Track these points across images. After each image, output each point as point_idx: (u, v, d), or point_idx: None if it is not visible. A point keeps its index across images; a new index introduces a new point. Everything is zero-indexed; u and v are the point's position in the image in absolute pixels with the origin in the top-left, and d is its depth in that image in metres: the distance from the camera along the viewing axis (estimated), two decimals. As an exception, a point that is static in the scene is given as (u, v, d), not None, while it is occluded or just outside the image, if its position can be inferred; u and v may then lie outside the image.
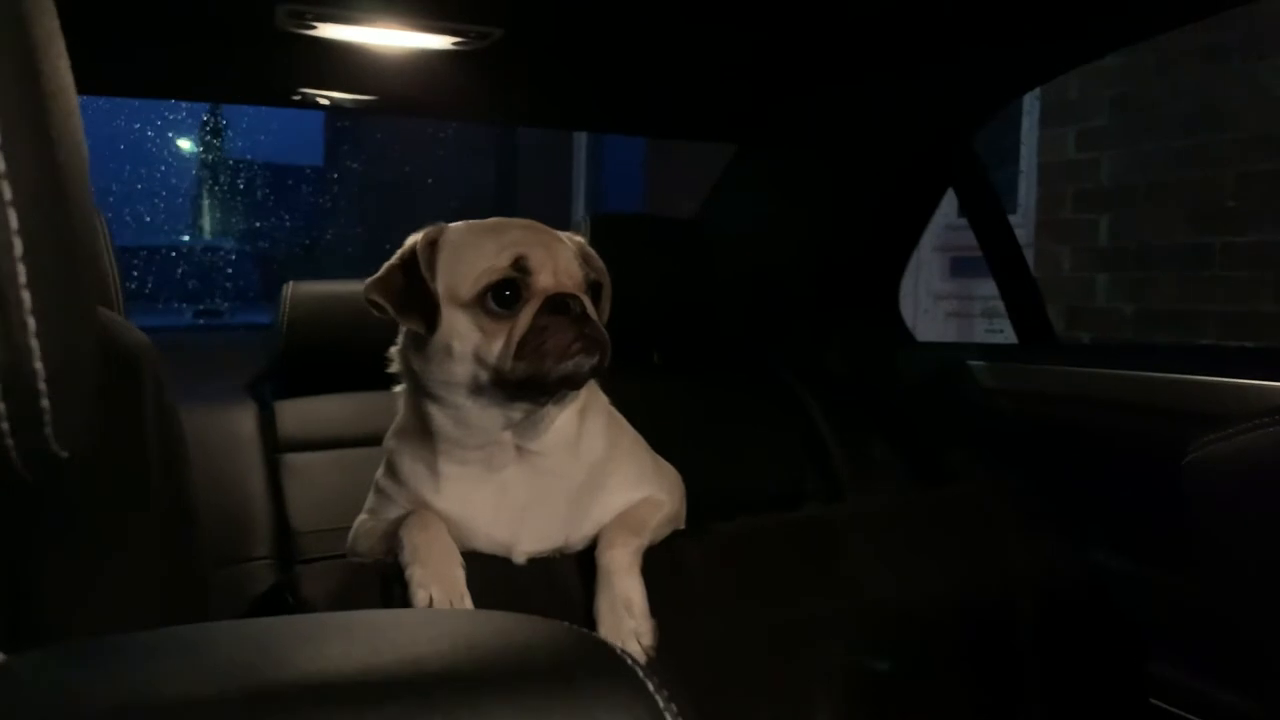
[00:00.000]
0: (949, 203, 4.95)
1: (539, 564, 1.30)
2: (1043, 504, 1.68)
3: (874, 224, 2.52)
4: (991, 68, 2.05)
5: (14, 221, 0.45)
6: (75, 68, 2.05)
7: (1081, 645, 1.58)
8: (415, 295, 1.26)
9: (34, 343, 0.46)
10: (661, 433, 2.10)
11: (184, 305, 9.86)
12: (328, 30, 1.78)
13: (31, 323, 0.46)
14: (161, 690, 0.41)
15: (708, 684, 1.25)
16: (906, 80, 2.11)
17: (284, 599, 1.18)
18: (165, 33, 1.84)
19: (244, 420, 2.07)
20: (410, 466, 1.33)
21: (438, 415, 1.30)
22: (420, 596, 1.15)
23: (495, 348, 1.23)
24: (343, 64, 1.99)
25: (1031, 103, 4.71)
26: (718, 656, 1.31)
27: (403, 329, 1.34)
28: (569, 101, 2.38)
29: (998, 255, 2.36)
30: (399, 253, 1.32)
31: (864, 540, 1.51)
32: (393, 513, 1.33)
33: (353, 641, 0.47)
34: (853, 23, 1.84)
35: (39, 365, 0.47)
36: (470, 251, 1.28)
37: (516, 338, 1.22)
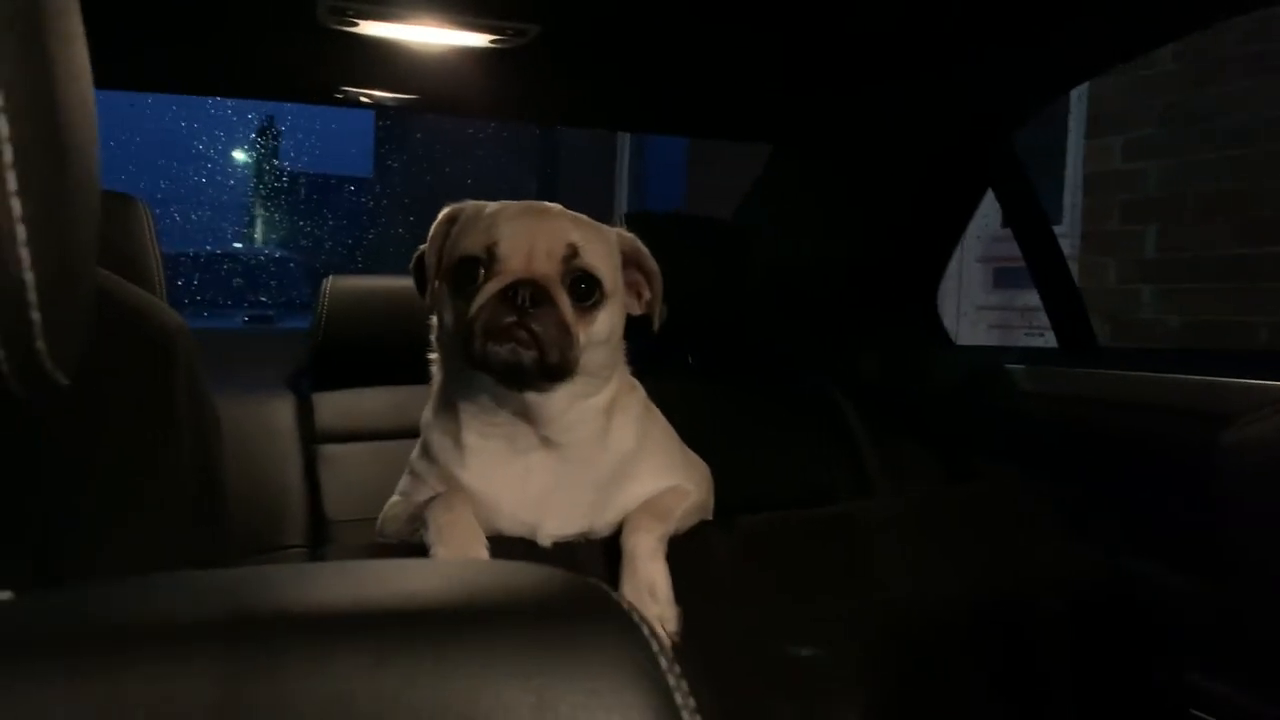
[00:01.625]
0: (993, 213, 4.92)
1: (564, 548, 1.30)
2: (1075, 506, 1.65)
3: (911, 225, 2.50)
4: (1028, 66, 2.03)
5: (4, 128, 0.44)
6: (116, 63, 2.10)
7: (1114, 651, 1.55)
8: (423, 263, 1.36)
9: (23, 252, 0.46)
10: (695, 434, 2.09)
11: (234, 309, 10.00)
12: (368, 28, 1.81)
13: (21, 232, 0.45)
14: (146, 615, 0.42)
15: (731, 677, 1.25)
16: (942, 79, 2.10)
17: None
18: (206, 27, 1.87)
19: (282, 412, 2.11)
20: (439, 440, 1.36)
21: (451, 383, 1.34)
22: None
23: (459, 324, 1.26)
24: (383, 62, 2.01)
25: (1078, 112, 4.66)
26: (741, 649, 1.30)
27: None
28: (604, 100, 2.40)
29: (1039, 260, 2.33)
30: None
31: (889, 538, 1.50)
32: (423, 495, 1.34)
33: (345, 580, 0.47)
34: (887, 22, 1.83)
35: (29, 275, 0.46)
36: (467, 229, 1.30)
37: (467, 317, 1.23)
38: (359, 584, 0.46)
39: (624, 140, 8.04)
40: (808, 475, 2.38)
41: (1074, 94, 4.48)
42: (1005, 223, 5.18)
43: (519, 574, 0.50)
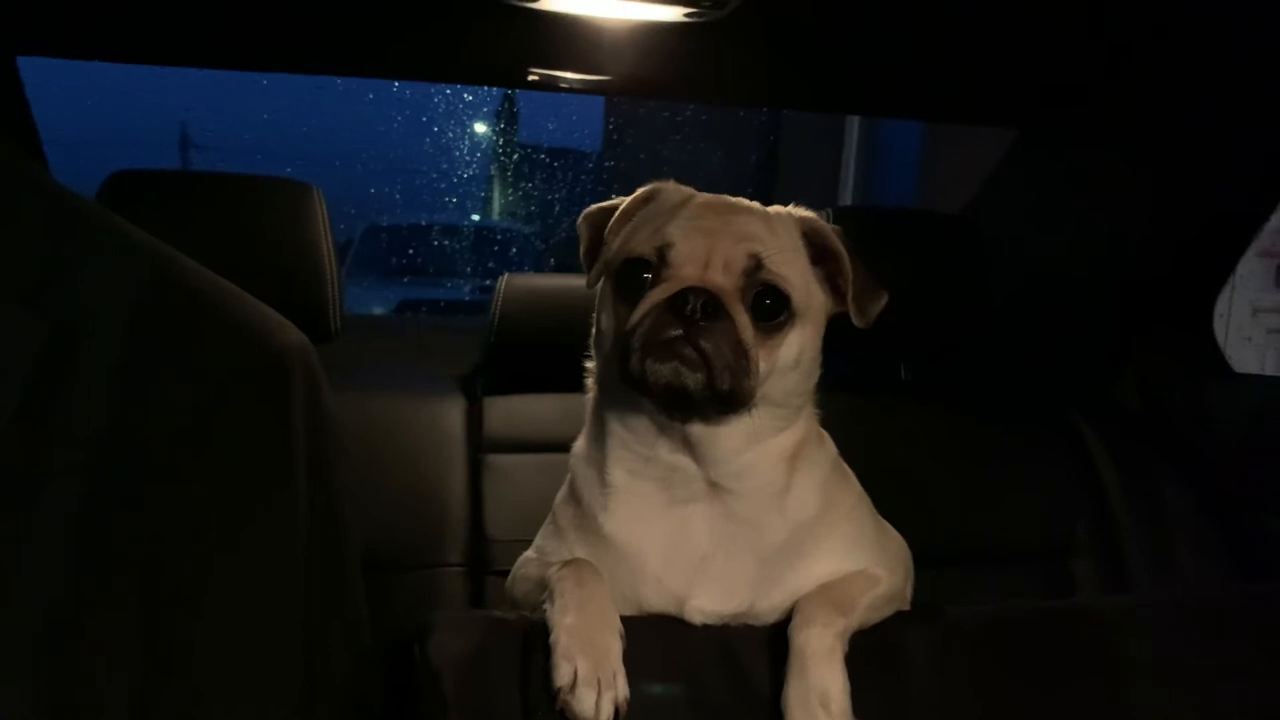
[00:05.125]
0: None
1: (715, 633, 1.08)
2: None
3: (1187, 230, 2.08)
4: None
5: None
6: (308, 48, 2.03)
7: None
8: (597, 244, 1.18)
9: None
10: (902, 461, 1.81)
11: (464, 281, 10.41)
12: (551, 3, 1.65)
13: None
14: None
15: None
16: (1238, 48, 1.67)
17: (411, 652, 1.02)
18: (390, 9, 1.77)
19: (451, 414, 2.00)
20: (584, 473, 1.19)
21: (604, 402, 1.17)
22: (563, 670, 0.96)
23: (617, 332, 1.09)
24: (571, 42, 1.86)
25: None
26: None
27: None
28: (814, 79, 2.11)
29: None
30: None
31: (1156, 644, 1.16)
32: (560, 555, 1.16)
33: None
34: None
35: None
36: (648, 221, 1.13)
37: (627, 326, 1.05)
38: None
39: (852, 125, 7.54)
40: (1037, 518, 2.05)
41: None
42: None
43: None
